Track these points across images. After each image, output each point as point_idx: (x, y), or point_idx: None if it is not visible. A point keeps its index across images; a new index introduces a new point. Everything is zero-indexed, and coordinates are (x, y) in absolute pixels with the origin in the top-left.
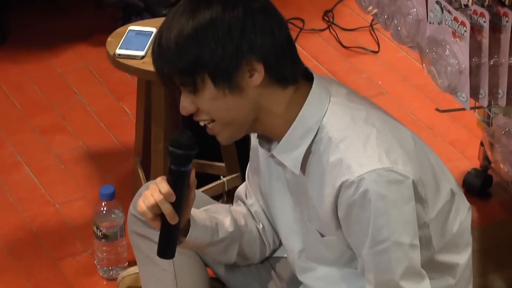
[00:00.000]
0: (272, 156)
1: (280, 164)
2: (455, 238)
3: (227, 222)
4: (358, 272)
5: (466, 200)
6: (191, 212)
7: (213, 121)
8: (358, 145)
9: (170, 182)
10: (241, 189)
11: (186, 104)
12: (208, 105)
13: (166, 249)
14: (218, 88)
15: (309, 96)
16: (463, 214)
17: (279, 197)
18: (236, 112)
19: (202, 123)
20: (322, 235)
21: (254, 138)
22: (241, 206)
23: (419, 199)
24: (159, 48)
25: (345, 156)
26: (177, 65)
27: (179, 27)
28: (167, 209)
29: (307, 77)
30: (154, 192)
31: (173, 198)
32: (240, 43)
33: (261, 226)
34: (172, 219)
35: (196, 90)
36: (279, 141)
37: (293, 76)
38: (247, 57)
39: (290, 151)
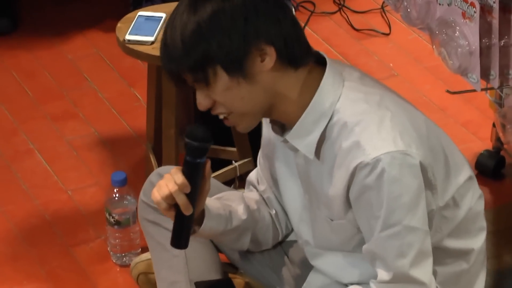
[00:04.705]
0: (285, 142)
1: (293, 149)
2: (465, 223)
3: (240, 210)
4: (367, 259)
5: (477, 186)
6: (206, 201)
7: (230, 113)
8: (372, 128)
9: (185, 173)
10: (252, 175)
11: (202, 99)
12: (223, 96)
13: (179, 239)
14: (232, 78)
15: (322, 81)
16: (473, 200)
17: (289, 183)
18: (251, 100)
19: (221, 117)
20: (331, 220)
21: (266, 125)
22: (253, 192)
23: (429, 185)
24: (165, 48)
25: (359, 139)
26: (186, 62)
27: (182, 24)
28: (181, 200)
29: (320, 62)
30: (169, 182)
31: (188, 189)
32: (245, 30)
33: (274, 212)
34: (187, 210)
35: (209, 83)
36: (292, 126)
37: (303, 57)
38: (255, 42)
39: (304, 137)
